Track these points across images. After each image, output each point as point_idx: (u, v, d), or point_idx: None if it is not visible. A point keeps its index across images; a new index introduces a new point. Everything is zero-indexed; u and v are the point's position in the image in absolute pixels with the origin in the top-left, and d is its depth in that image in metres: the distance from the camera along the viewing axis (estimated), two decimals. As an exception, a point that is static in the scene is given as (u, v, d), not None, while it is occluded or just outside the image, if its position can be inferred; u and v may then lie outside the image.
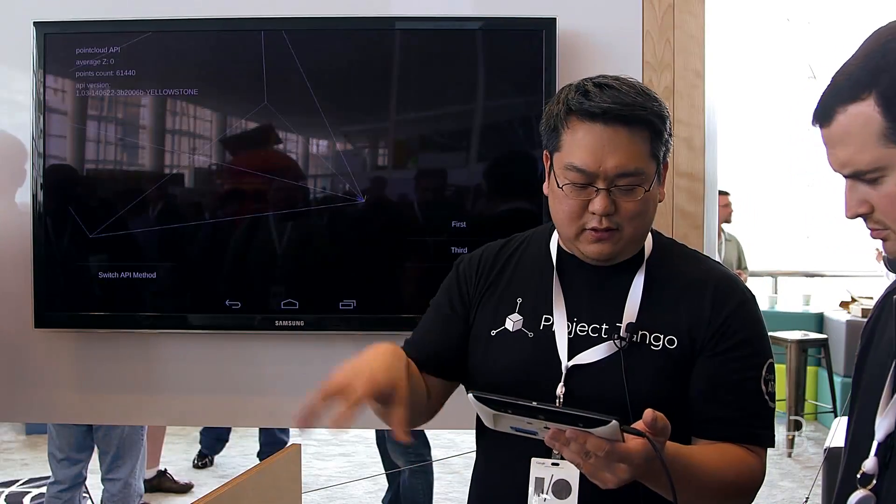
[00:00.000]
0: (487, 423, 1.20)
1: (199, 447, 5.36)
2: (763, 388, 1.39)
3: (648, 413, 1.15)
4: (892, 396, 1.07)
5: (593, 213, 1.36)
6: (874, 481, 1.08)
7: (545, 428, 1.15)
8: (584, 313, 1.43)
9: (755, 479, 1.39)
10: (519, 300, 1.48)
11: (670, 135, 1.42)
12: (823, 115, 1.05)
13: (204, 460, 5.28)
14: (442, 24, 2.33)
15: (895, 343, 1.10)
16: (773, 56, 6.83)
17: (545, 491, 1.35)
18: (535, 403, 1.12)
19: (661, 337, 1.40)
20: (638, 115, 1.34)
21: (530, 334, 1.45)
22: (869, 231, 1.08)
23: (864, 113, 1.01)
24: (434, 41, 2.34)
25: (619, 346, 1.38)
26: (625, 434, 1.14)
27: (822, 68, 6.56)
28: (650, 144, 1.36)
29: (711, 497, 1.35)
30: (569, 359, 1.40)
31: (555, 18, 2.28)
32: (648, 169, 1.36)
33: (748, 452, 1.38)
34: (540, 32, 2.27)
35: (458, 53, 2.33)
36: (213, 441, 5.31)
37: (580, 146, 1.35)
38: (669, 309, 1.41)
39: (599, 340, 1.40)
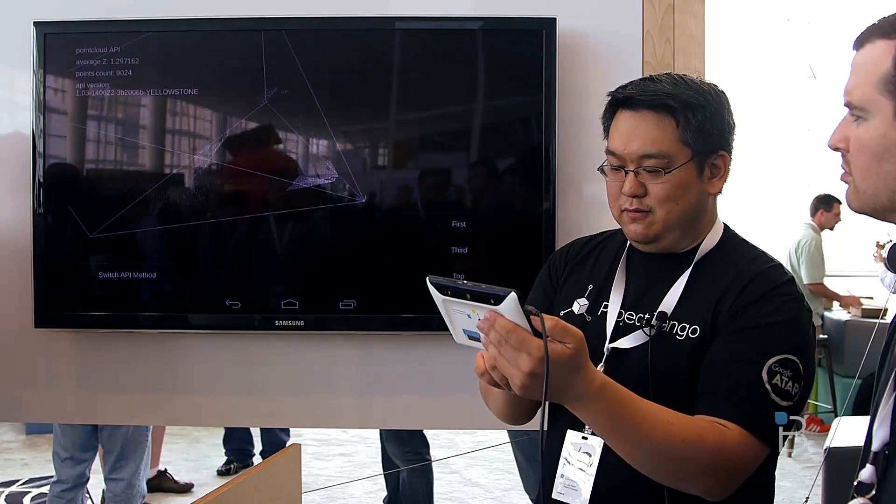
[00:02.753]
0: (450, 328, 1.21)
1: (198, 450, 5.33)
2: (764, 376, 1.34)
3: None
4: (889, 405, 1.07)
5: (625, 195, 1.45)
6: (874, 491, 1.08)
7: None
8: (635, 302, 1.50)
9: (728, 452, 1.31)
10: (590, 286, 1.56)
11: (715, 125, 1.45)
12: (860, 39, 1.05)
13: (229, 467, 5.21)
14: (442, 24, 2.33)
15: (893, 348, 1.10)
16: (773, 56, 6.83)
17: (572, 461, 1.47)
18: (464, 281, 1.15)
19: (687, 327, 1.43)
20: (660, 100, 1.42)
21: (588, 318, 1.53)
22: (842, 169, 1.09)
23: (881, 51, 1.01)
24: (434, 41, 2.34)
25: (647, 334, 1.44)
26: (532, 321, 1.12)
27: (822, 68, 6.56)
28: (677, 130, 1.42)
29: (661, 456, 1.27)
30: (609, 343, 1.47)
31: (555, 18, 2.28)
32: (676, 153, 1.43)
33: (725, 427, 1.32)
34: (540, 32, 2.27)
35: (458, 53, 2.33)
36: (238, 451, 5.24)
37: (616, 132, 1.47)
38: (705, 301, 1.44)
39: (638, 328, 1.46)
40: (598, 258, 1.61)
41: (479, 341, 1.17)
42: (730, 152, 1.50)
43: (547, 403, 1.57)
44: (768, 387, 1.34)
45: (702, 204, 1.48)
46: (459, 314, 1.17)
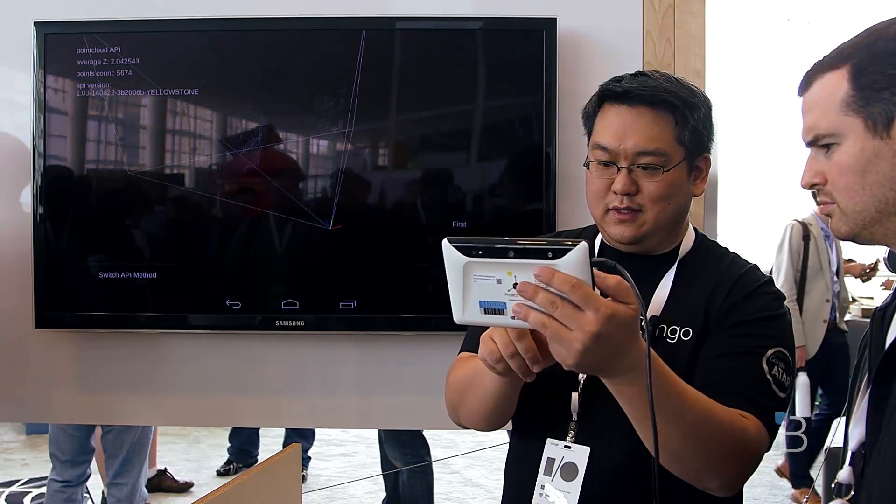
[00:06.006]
0: (458, 303, 1.07)
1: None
2: (764, 366, 1.35)
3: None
4: (863, 404, 1.08)
5: (615, 193, 1.41)
6: (852, 492, 1.09)
7: (513, 289, 1.03)
8: None
9: (750, 441, 1.29)
10: None
11: (706, 127, 1.44)
12: (805, 82, 1.11)
13: (228, 467, 5.21)
14: (442, 24, 2.33)
15: (868, 349, 1.12)
16: (773, 56, 6.83)
17: (553, 472, 1.38)
18: (506, 239, 1.02)
19: (678, 329, 1.41)
20: (661, 97, 1.39)
21: None
22: (819, 205, 1.13)
23: (834, 80, 1.06)
24: (434, 41, 2.34)
25: (644, 340, 1.39)
26: (595, 274, 1.02)
27: (822, 68, 6.54)
28: (675, 129, 1.40)
29: (696, 437, 1.22)
30: None
31: (555, 18, 2.28)
32: (672, 152, 1.40)
33: (742, 415, 1.30)
34: (540, 32, 2.27)
35: (458, 53, 2.33)
36: (238, 451, 5.24)
37: (606, 126, 1.42)
38: (692, 305, 1.42)
39: None
40: None
41: (500, 314, 1.04)
42: (710, 153, 1.49)
43: (517, 408, 1.48)
44: (769, 377, 1.34)
45: (687, 205, 1.48)
46: (483, 281, 1.03)
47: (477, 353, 1.34)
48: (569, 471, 1.38)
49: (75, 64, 2.33)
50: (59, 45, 2.33)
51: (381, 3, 2.40)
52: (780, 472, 4.95)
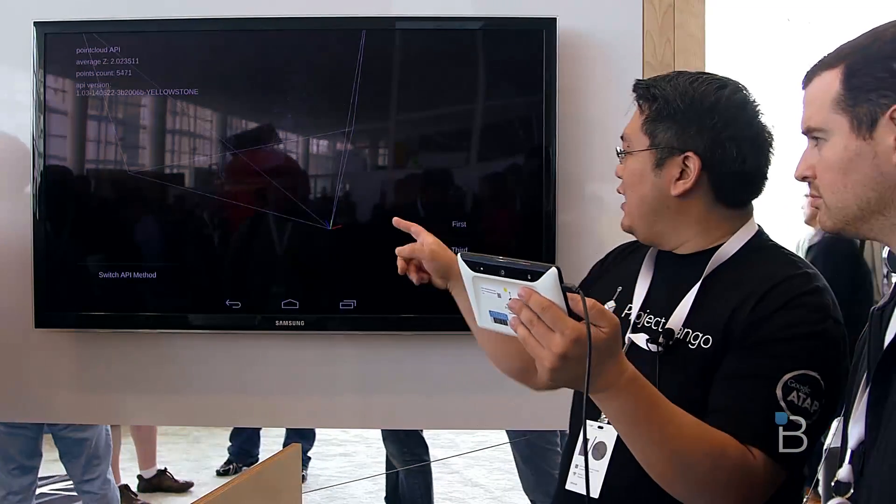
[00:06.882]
0: (475, 311, 1.17)
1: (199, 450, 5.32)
2: (778, 393, 1.25)
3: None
4: (863, 403, 1.09)
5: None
6: (852, 490, 1.09)
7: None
8: (654, 304, 1.46)
9: (748, 472, 1.24)
10: (619, 288, 1.53)
11: (691, 125, 1.39)
12: (806, 78, 1.15)
13: (228, 467, 5.19)
14: (442, 24, 2.33)
15: (867, 348, 1.12)
16: (773, 56, 6.83)
17: (587, 451, 1.41)
18: (501, 258, 1.11)
19: (700, 336, 1.35)
20: (642, 90, 1.45)
21: None
22: (809, 197, 1.17)
23: (829, 78, 1.10)
24: (434, 41, 2.34)
25: (655, 350, 1.37)
26: (570, 297, 1.08)
27: (822, 68, 6.54)
28: (642, 118, 1.44)
29: (680, 464, 1.21)
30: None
31: (555, 18, 2.28)
32: (635, 139, 1.45)
33: (744, 446, 1.25)
34: (540, 32, 2.27)
35: (458, 53, 2.33)
36: (239, 451, 5.22)
37: None
38: (716, 313, 1.35)
39: (647, 331, 1.42)
40: (630, 261, 1.57)
41: (506, 324, 1.13)
42: (701, 155, 1.39)
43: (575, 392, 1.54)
44: (783, 404, 1.25)
45: (663, 200, 1.42)
46: (488, 294, 1.13)
47: None
48: (599, 450, 1.40)
49: (75, 64, 2.33)
50: (59, 45, 2.33)
51: (381, 3, 2.40)
52: None
